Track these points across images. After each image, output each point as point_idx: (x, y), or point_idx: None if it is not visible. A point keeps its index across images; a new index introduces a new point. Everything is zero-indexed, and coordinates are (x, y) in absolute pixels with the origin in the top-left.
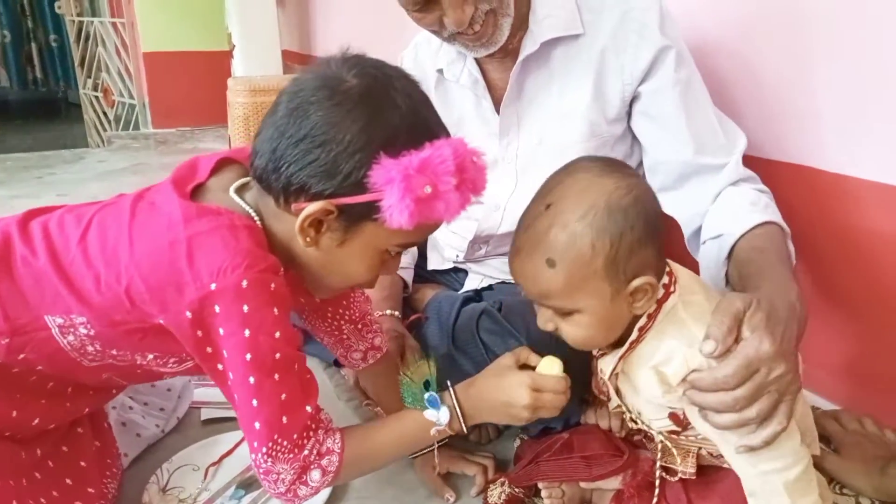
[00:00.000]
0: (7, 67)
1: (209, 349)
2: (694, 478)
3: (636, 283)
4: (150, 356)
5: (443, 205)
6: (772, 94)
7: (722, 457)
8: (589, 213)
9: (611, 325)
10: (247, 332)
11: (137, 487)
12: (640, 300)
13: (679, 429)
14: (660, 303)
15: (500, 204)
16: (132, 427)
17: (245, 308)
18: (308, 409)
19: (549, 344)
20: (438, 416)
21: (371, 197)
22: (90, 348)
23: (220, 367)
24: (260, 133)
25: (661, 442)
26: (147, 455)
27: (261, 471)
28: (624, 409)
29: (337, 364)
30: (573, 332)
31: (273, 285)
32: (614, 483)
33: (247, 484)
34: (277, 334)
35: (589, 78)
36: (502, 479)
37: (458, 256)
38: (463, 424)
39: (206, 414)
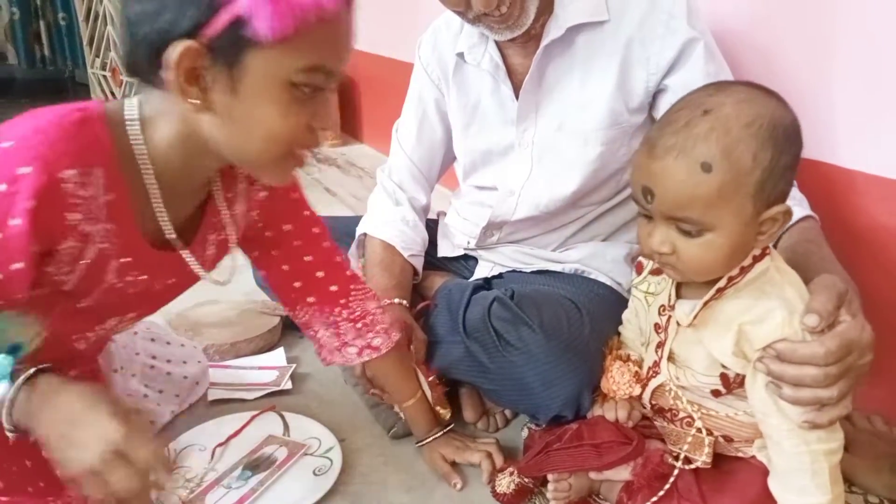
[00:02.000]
0: (15, 45)
1: None
2: (708, 467)
3: (775, 209)
4: None
5: None
6: (788, 86)
7: (740, 443)
8: (755, 124)
9: (735, 252)
10: None
11: None
12: (767, 231)
13: (723, 391)
14: (756, 259)
15: (515, 190)
16: (146, 415)
17: None
18: None
19: (560, 333)
20: None
21: (232, 11)
22: None
23: None
24: None
25: (696, 428)
26: (154, 434)
27: None
28: (666, 374)
29: None
30: (696, 254)
31: (19, 206)
32: (624, 474)
33: (254, 465)
34: None
35: (613, 66)
36: (511, 469)
37: (469, 243)
38: (8, 416)
39: (212, 395)
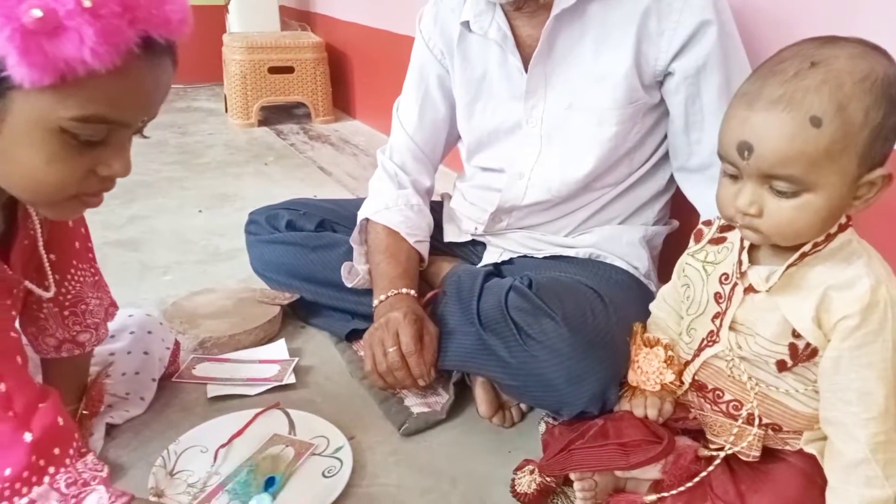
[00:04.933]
0: None
1: None
2: (756, 460)
3: (876, 172)
4: None
5: (75, 37)
6: None
7: (788, 434)
8: (868, 79)
9: (830, 216)
10: None
11: (143, 470)
12: (863, 196)
13: (790, 362)
14: (841, 228)
15: (524, 172)
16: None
17: None
18: (26, 437)
19: (585, 325)
20: None
21: None
22: None
23: None
24: None
25: (746, 412)
26: (151, 434)
27: None
28: (726, 343)
29: (349, 338)
30: (788, 216)
31: None
32: (653, 472)
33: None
34: None
35: (629, 38)
36: (531, 467)
37: (476, 229)
38: None
39: (212, 391)
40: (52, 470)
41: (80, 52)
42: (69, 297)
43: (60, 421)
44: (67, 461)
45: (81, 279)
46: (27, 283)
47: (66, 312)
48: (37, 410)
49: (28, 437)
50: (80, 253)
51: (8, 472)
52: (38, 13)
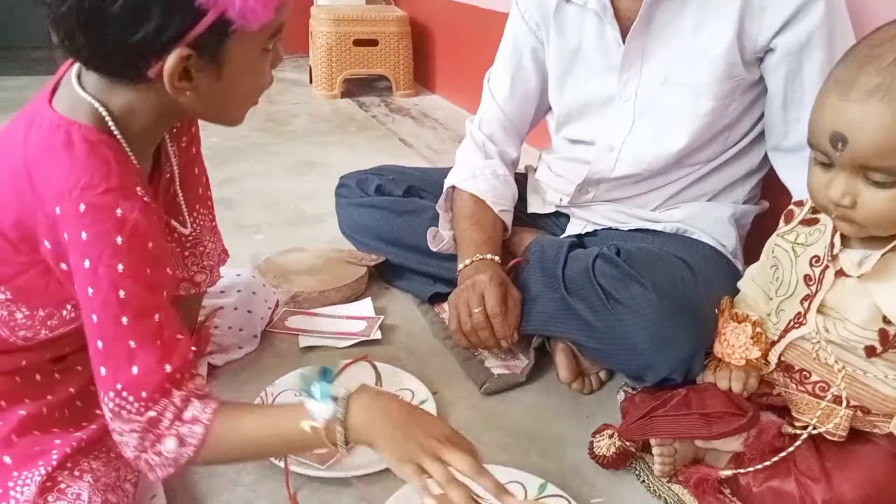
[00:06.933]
0: None
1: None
2: (842, 440)
3: None
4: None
5: None
6: None
7: (877, 417)
8: None
9: None
10: (86, 263)
11: None
12: None
13: (879, 348)
14: None
15: (615, 145)
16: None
17: (83, 235)
18: (167, 368)
19: (674, 292)
20: (317, 410)
21: (217, 10)
22: (18, 315)
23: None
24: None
25: (832, 395)
26: (248, 377)
27: (111, 427)
28: (814, 325)
29: (431, 301)
30: (884, 206)
31: (119, 211)
32: (734, 445)
33: None
34: (120, 267)
35: (732, 13)
36: (611, 431)
37: (561, 200)
38: (342, 434)
39: (303, 341)
40: (175, 391)
41: None
42: (190, 238)
43: (191, 356)
44: (187, 386)
45: (201, 223)
46: (171, 221)
47: (186, 253)
48: (178, 342)
49: (168, 367)
50: (202, 199)
51: (144, 394)
52: None
